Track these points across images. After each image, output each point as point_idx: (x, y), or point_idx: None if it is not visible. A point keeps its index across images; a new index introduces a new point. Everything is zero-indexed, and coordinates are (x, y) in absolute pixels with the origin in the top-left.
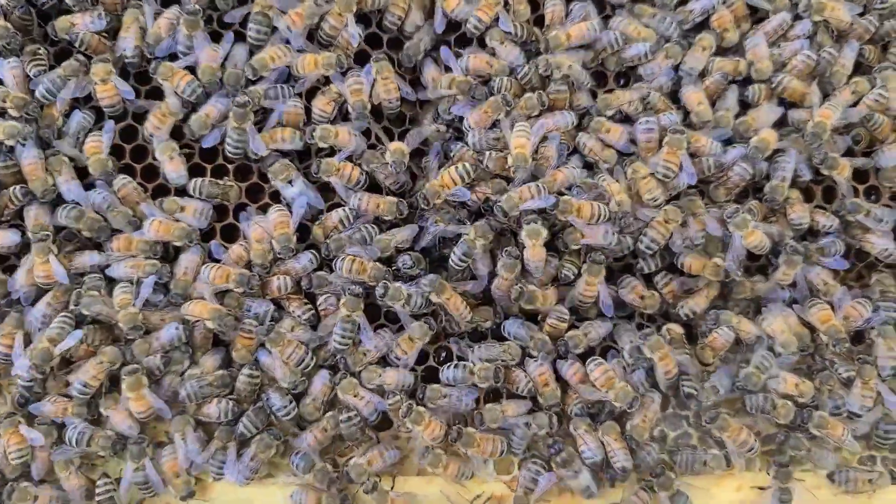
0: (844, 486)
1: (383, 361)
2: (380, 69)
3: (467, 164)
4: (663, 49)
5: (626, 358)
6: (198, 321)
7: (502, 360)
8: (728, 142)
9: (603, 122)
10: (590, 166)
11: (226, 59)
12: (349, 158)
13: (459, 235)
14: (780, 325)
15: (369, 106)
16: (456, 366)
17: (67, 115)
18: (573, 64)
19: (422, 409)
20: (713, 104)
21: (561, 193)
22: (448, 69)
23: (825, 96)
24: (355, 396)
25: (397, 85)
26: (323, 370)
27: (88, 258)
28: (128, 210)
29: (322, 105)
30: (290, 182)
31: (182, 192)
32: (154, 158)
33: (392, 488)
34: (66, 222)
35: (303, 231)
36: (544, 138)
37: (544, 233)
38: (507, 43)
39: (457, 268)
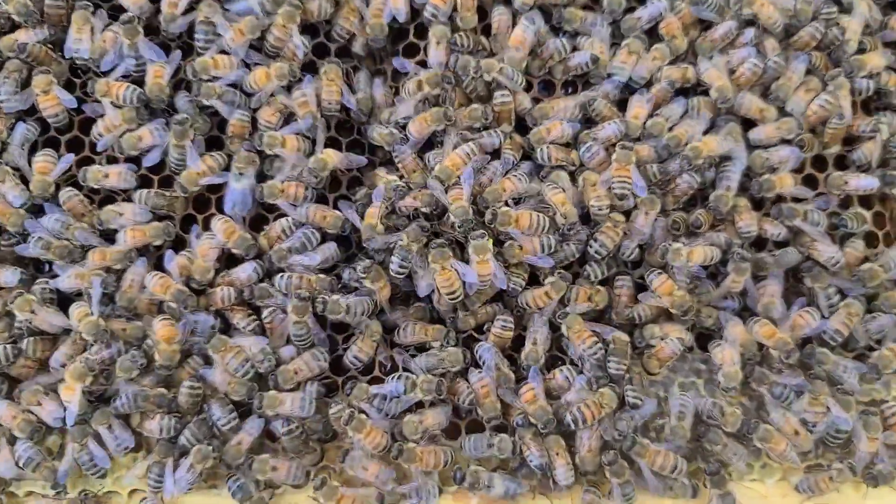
0: (810, 493)
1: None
2: (328, 70)
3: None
4: (624, 46)
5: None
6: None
7: (444, 368)
8: None
9: (539, 129)
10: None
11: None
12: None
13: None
14: (729, 355)
15: (319, 115)
16: (399, 377)
17: (12, 128)
18: (504, 66)
19: (363, 416)
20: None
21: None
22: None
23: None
24: (280, 404)
25: (340, 89)
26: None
27: (8, 276)
28: (84, 226)
29: (267, 116)
30: (242, 174)
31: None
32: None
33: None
34: (37, 253)
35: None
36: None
37: (491, 246)
38: (441, 44)
39: (398, 276)
